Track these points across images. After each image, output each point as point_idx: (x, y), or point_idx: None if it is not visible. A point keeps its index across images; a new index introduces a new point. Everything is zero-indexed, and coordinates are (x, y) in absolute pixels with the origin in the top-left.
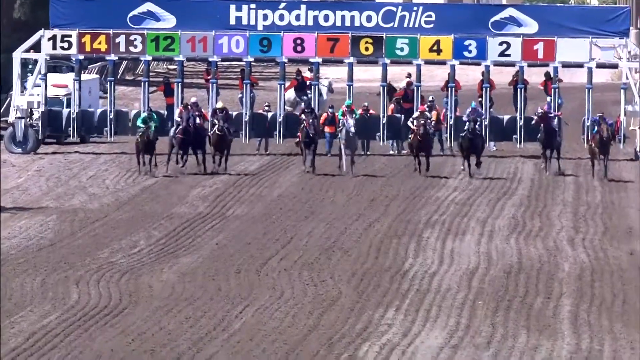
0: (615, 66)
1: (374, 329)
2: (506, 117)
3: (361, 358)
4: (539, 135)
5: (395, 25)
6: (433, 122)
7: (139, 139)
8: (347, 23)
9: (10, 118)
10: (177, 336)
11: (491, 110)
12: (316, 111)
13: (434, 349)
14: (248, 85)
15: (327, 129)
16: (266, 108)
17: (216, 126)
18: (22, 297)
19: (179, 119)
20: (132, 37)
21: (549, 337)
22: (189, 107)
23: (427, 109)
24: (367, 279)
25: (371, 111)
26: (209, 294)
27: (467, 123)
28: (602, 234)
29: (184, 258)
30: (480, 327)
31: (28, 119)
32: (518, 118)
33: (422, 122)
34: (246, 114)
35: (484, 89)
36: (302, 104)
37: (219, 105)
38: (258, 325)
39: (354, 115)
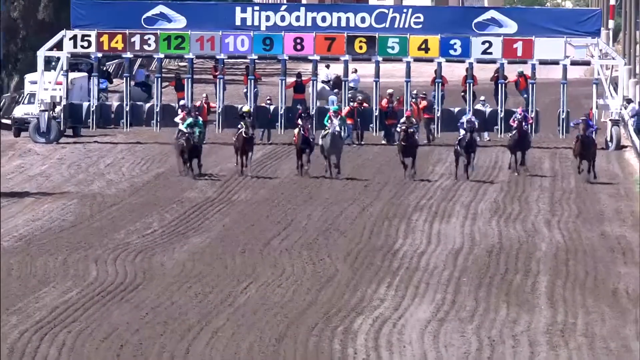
0: (587, 63)
1: (367, 303)
2: (488, 110)
3: (355, 330)
4: (510, 136)
5: (387, 25)
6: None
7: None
8: (343, 24)
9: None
10: (188, 310)
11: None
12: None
13: (422, 322)
14: (252, 80)
15: (348, 121)
16: (268, 101)
17: (242, 129)
18: (46, 274)
19: (180, 123)
20: (146, 37)
21: (527, 311)
22: (192, 112)
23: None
24: (361, 258)
25: (364, 104)
26: (216, 271)
27: (463, 131)
28: (576, 216)
29: (194, 239)
30: (464, 302)
31: (51, 112)
32: (499, 110)
33: (405, 127)
34: (250, 107)
35: (467, 84)
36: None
37: (245, 109)
38: (261, 300)
39: (339, 119)
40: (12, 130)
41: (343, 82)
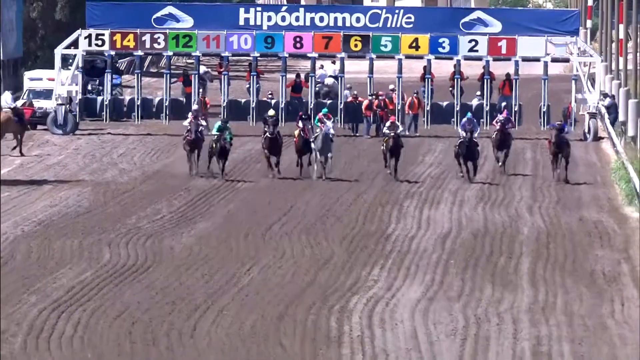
0: (567, 60)
1: (362, 284)
2: (475, 103)
3: (351, 309)
4: (494, 136)
5: (380, 25)
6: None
7: (214, 145)
8: (339, 23)
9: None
10: (195, 290)
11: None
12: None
13: (413, 301)
14: (254, 76)
15: (367, 114)
16: (269, 96)
17: (268, 132)
18: (63, 256)
19: (188, 126)
20: (156, 36)
21: (510, 291)
22: (199, 117)
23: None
24: (356, 242)
25: (359, 98)
26: (221, 254)
27: (464, 133)
28: (555, 203)
29: (200, 224)
30: (452, 282)
31: (68, 105)
32: (485, 104)
33: (393, 133)
34: (253, 101)
35: (455, 79)
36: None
37: (271, 113)
38: (263, 281)
39: (331, 121)
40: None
41: (339, 78)
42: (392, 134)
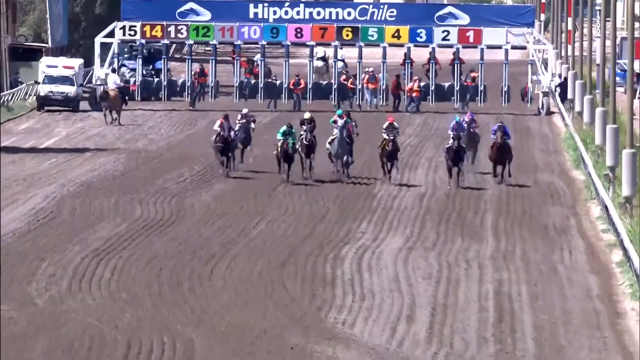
0: (524, 48)
1: (352, 235)
2: (447, 84)
3: (343, 257)
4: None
5: (368, 18)
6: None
7: (280, 150)
8: (334, 17)
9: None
10: (212, 241)
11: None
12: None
13: (395, 250)
14: (262, 61)
15: (371, 86)
16: (274, 77)
17: (304, 135)
18: (101, 212)
19: (218, 129)
20: (179, 27)
21: (477, 241)
22: (229, 118)
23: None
24: (347, 200)
25: (350, 81)
26: (234, 210)
27: (452, 139)
28: (515, 168)
29: (217, 185)
30: (428, 235)
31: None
32: (455, 84)
33: (392, 136)
34: (261, 82)
35: (430, 64)
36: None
37: (307, 116)
38: (269, 234)
39: (343, 120)
40: (37, 106)
41: (334, 62)
42: (391, 137)
